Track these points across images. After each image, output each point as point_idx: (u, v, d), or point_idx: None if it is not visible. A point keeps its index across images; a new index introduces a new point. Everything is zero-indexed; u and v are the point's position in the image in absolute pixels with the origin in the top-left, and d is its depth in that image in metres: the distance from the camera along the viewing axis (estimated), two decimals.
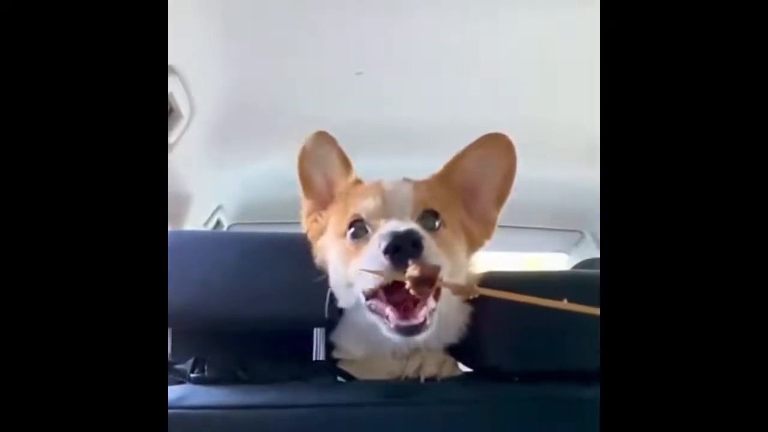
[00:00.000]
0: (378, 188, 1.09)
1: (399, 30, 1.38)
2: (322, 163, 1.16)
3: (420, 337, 0.98)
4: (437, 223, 1.06)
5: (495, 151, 1.11)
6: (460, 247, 1.10)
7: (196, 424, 0.94)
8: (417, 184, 1.09)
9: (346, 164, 1.16)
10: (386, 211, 1.04)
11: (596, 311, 0.66)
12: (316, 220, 1.17)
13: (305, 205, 1.19)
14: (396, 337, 0.98)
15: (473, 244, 1.14)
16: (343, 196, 1.14)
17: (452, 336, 1.11)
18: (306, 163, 1.16)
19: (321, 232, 1.14)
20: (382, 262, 0.91)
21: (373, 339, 1.05)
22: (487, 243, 1.16)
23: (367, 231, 1.04)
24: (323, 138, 1.14)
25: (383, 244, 0.90)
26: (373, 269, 0.93)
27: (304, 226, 1.19)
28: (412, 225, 0.96)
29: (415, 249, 0.89)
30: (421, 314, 0.95)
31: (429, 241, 0.93)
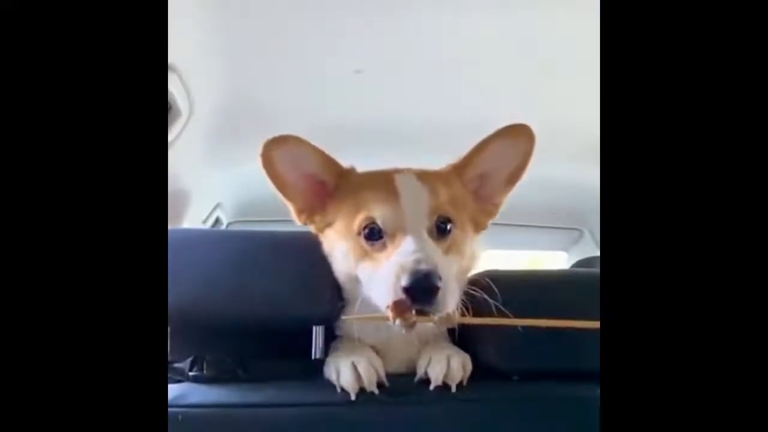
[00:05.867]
0: (392, 188, 1.07)
1: (398, 30, 1.38)
2: (294, 164, 1.14)
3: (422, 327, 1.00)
4: (449, 227, 1.07)
5: (517, 140, 1.14)
6: (467, 242, 1.12)
7: (194, 423, 0.94)
8: (433, 189, 1.08)
9: (324, 157, 1.14)
10: (402, 220, 1.04)
11: (596, 325, 0.67)
12: (314, 215, 1.17)
13: (292, 207, 1.19)
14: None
15: (478, 228, 1.17)
16: (347, 189, 1.13)
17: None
18: (275, 169, 1.13)
19: (327, 225, 1.14)
20: (399, 293, 0.94)
21: (379, 326, 1.06)
22: (490, 222, 1.20)
23: (382, 237, 1.04)
24: (287, 141, 1.12)
25: (404, 280, 0.93)
26: (387, 294, 0.96)
27: (301, 224, 1.19)
28: (431, 259, 0.96)
29: (431, 294, 0.93)
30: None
31: (444, 280, 0.94)
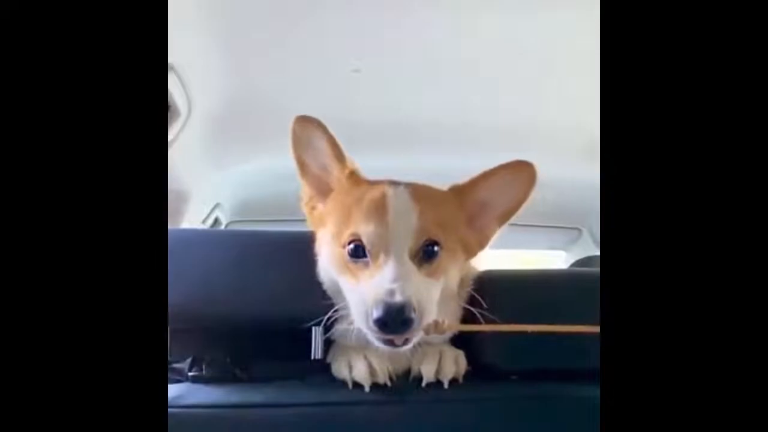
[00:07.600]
0: (382, 207, 1.04)
1: (397, 29, 1.38)
2: (312, 147, 1.14)
3: (404, 349, 0.97)
4: (436, 249, 1.05)
5: (520, 176, 1.13)
6: (456, 264, 1.10)
7: (193, 423, 0.94)
8: (423, 210, 1.05)
9: (337, 151, 1.13)
10: (387, 242, 1.01)
11: (596, 329, 0.67)
12: (314, 209, 1.17)
13: (303, 187, 1.19)
14: (381, 345, 0.98)
15: (468, 255, 1.15)
16: (343, 194, 1.12)
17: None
18: (297, 146, 1.14)
19: (320, 224, 1.14)
20: (371, 326, 0.93)
21: (361, 335, 1.03)
22: (480, 252, 1.18)
23: (365, 255, 1.02)
24: (309, 123, 1.12)
25: (375, 314, 0.91)
26: (361, 322, 0.97)
27: (303, 211, 1.19)
28: (407, 289, 0.94)
29: (404, 326, 0.92)
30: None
31: (420, 309, 0.93)
